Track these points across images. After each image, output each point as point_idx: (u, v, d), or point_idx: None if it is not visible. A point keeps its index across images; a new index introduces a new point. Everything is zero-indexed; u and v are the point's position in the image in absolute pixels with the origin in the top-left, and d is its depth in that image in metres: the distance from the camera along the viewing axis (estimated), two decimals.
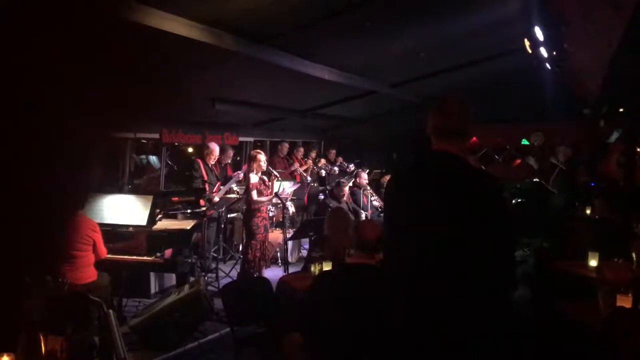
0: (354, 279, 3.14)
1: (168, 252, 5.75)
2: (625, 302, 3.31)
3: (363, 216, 8.40)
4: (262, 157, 6.65)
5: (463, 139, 2.40)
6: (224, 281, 6.77)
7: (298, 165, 10.29)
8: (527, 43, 6.86)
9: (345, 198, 8.24)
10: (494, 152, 12.58)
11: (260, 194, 6.57)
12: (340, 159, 11.19)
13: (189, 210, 7.26)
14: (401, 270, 2.37)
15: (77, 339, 3.03)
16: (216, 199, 7.26)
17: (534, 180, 9.87)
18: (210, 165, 7.98)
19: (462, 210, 2.20)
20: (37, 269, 3.42)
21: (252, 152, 6.87)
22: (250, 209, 6.57)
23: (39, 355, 2.37)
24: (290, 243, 7.67)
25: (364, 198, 8.77)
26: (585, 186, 9.05)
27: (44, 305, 2.78)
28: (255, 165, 6.59)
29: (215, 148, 8.02)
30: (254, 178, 6.54)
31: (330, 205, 8.00)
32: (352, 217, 7.22)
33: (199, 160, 7.93)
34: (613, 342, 2.98)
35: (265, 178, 6.71)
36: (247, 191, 6.63)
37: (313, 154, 10.97)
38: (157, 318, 5.15)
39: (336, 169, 10.73)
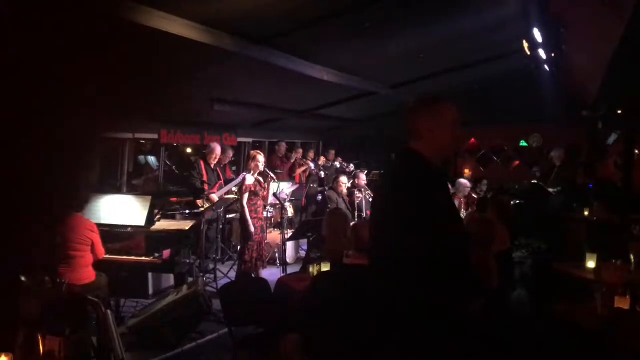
0: (352, 279, 3.14)
1: (166, 253, 5.74)
2: (623, 303, 3.32)
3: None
4: (261, 158, 6.63)
5: (422, 138, 2.42)
6: (222, 282, 6.76)
7: (298, 157, 10.37)
8: (525, 45, 6.87)
9: (342, 190, 8.22)
10: (492, 154, 12.61)
11: (254, 195, 6.54)
12: (339, 159, 11.21)
13: (187, 211, 7.26)
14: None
15: (75, 339, 3.03)
16: (215, 197, 7.26)
17: (532, 181, 9.89)
18: (212, 166, 7.99)
19: (384, 202, 2.47)
20: (35, 268, 3.43)
21: (252, 152, 6.86)
22: (244, 211, 6.55)
23: (37, 355, 2.37)
24: (288, 244, 7.67)
25: (363, 199, 8.76)
26: (584, 188, 9.06)
27: (43, 306, 2.78)
28: (253, 165, 6.57)
29: (216, 148, 8.04)
30: (249, 180, 6.51)
31: (332, 198, 8.01)
32: (350, 218, 7.23)
33: (201, 161, 7.94)
34: (611, 344, 2.99)
35: (261, 179, 6.69)
36: (240, 193, 6.62)
37: (311, 154, 10.98)
38: (155, 318, 5.15)
39: (337, 164, 10.77)
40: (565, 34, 6.06)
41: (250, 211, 6.50)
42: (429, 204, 2.19)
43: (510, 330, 3.65)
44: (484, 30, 6.73)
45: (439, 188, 2.37)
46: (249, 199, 6.51)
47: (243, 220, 6.54)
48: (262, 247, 6.66)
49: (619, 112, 9.25)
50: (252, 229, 6.44)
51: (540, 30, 6.07)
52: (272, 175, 7.07)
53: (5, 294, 2.67)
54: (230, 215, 8.36)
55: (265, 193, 6.74)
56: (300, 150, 10.83)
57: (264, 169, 6.74)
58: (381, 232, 2.40)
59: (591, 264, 4.54)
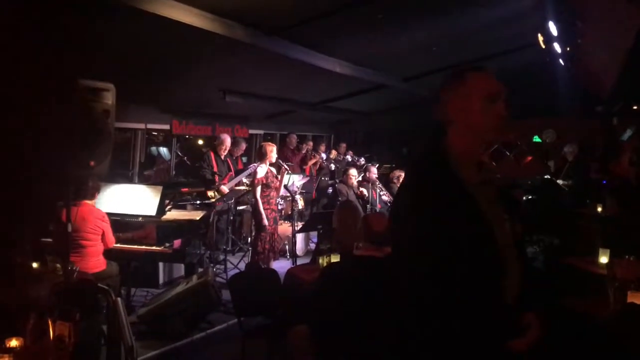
0: (362, 271, 3.13)
1: (177, 243, 5.76)
2: (636, 298, 3.29)
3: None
4: (274, 149, 6.64)
5: (453, 123, 1.98)
6: (232, 272, 6.78)
7: (309, 148, 10.37)
8: (540, 38, 6.79)
9: (352, 183, 8.20)
10: (505, 149, 12.50)
11: (267, 187, 6.54)
12: (350, 153, 11.19)
13: (198, 202, 7.27)
14: None
15: (85, 325, 3.05)
16: (225, 189, 7.27)
17: (545, 177, 9.81)
18: (222, 157, 8.00)
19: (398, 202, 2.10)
20: (47, 256, 3.45)
21: (264, 143, 6.85)
22: (257, 203, 6.56)
23: (47, 340, 2.38)
24: (298, 236, 7.67)
25: (374, 192, 8.74)
26: (597, 184, 8.97)
27: (53, 292, 2.80)
28: (269, 157, 6.56)
29: (226, 139, 8.05)
30: (261, 172, 6.51)
31: (341, 191, 8.01)
32: (361, 210, 7.20)
33: (211, 152, 7.95)
34: (623, 339, 2.96)
35: (274, 171, 6.70)
36: (252, 185, 6.62)
37: (323, 147, 10.96)
38: (165, 308, 5.17)
39: (348, 157, 10.75)
40: (580, 27, 5.98)
41: (263, 202, 6.51)
42: (433, 218, 1.79)
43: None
44: (498, 22, 6.67)
45: (454, 200, 1.85)
46: (262, 191, 6.52)
47: (256, 212, 6.55)
48: (274, 238, 6.68)
49: (634, 107, 9.14)
50: (266, 221, 6.45)
51: (556, 24, 5.99)
52: (286, 166, 7.07)
53: (17, 280, 2.68)
54: (241, 207, 8.38)
55: (278, 184, 6.74)
56: (311, 143, 10.81)
57: (277, 160, 6.74)
58: (395, 235, 2.02)
59: (604, 259, 4.49)
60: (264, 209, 6.49)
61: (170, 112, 8.12)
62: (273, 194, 6.67)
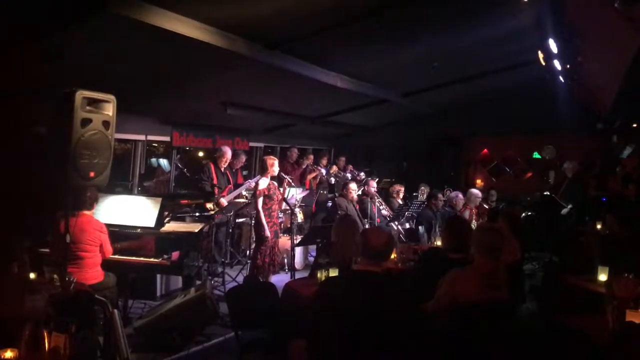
0: (360, 285, 3.12)
1: (175, 255, 5.74)
2: (634, 317, 3.28)
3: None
4: (274, 162, 6.65)
5: None
6: (230, 285, 6.75)
7: (309, 162, 10.37)
8: (540, 55, 6.83)
9: (352, 197, 8.20)
10: (504, 165, 12.53)
11: (269, 199, 6.54)
12: (350, 167, 11.19)
13: (197, 214, 7.26)
14: None
15: (81, 337, 3.04)
16: (224, 201, 7.27)
17: (545, 193, 9.82)
18: (222, 169, 8.00)
19: None
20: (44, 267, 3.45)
21: (265, 157, 6.87)
22: (259, 214, 6.55)
23: (42, 351, 2.37)
24: (297, 250, 7.65)
25: (373, 207, 8.73)
26: (597, 201, 8.98)
27: (50, 303, 2.79)
28: (270, 170, 6.56)
29: (227, 151, 8.05)
30: (263, 184, 6.51)
31: (341, 205, 8.00)
32: (360, 225, 7.20)
33: (211, 164, 7.95)
34: (622, 358, 2.94)
35: (276, 184, 6.70)
36: (254, 197, 6.62)
37: (324, 161, 10.97)
38: (162, 320, 5.14)
39: (349, 175, 10.75)
40: (580, 45, 6.01)
41: (265, 215, 6.51)
42: None
43: (519, 343, 3.61)
44: (499, 40, 6.72)
45: None
46: (264, 203, 6.52)
47: (258, 223, 6.54)
48: (274, 251, 6.66)
49: (634, 125, 9.17)
50: (267, 232, 6.44)
51: (556, 41, 6.03)
52: (289, 179, 7.07)
53: (13, 290, 2.67)
54: (240, 220, 8.36)
55: (280, 197, 6.74)
56: (311, 156, 10.81)
57: (279, 173, 6.75)
58: None
59: (602, 277, 4.48)
60: (266, 222, 6.49)
61: (170, 124, 8.14)
62: (275, 206, 6.66)
